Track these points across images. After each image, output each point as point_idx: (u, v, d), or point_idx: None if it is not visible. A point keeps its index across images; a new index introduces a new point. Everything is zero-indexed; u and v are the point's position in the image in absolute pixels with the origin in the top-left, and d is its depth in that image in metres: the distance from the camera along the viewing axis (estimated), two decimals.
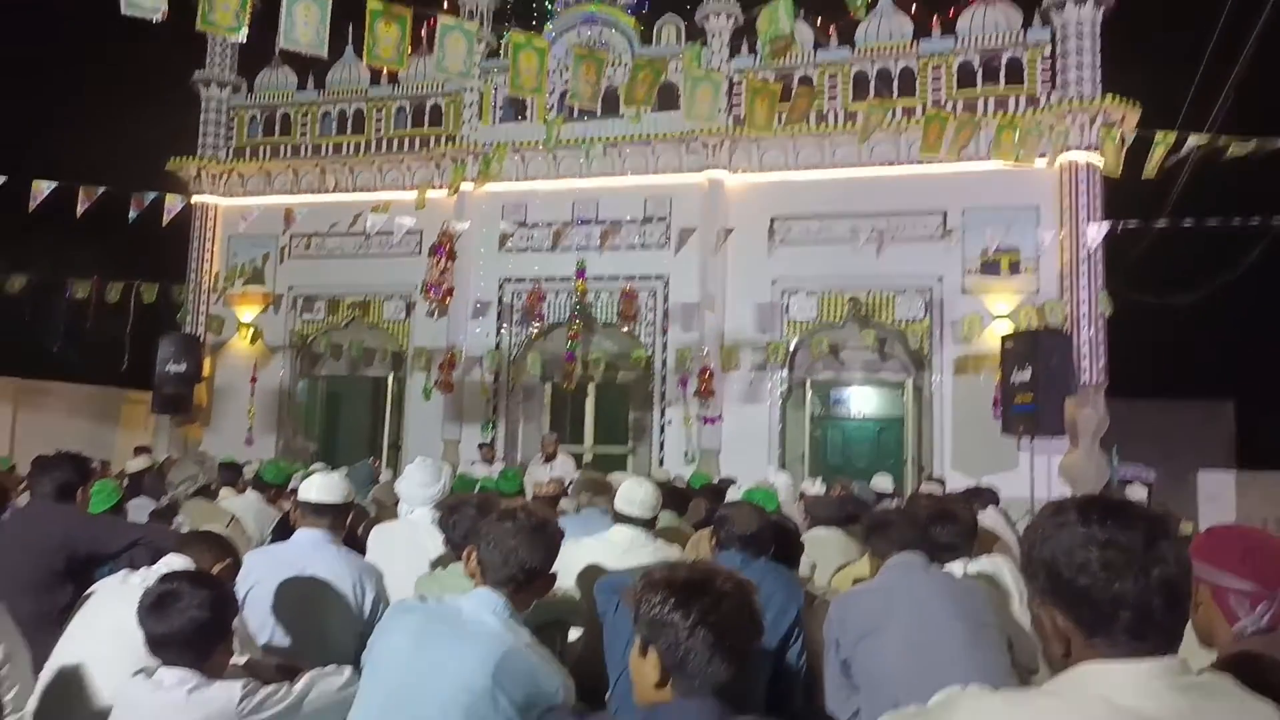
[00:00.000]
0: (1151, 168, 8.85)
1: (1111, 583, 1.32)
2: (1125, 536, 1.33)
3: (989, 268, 11.51)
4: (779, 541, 3.28)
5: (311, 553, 3.34)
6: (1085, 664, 1.37)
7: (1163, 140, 8.79)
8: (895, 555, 2.80)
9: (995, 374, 10.81)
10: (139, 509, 5.09)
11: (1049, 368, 9.77)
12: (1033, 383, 9.81)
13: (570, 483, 6.03)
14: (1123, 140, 9.50)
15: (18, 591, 3.38)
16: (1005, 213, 11.35)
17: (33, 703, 2.62)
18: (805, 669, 2.84)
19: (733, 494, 5.06)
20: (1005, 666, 2.63)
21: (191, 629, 2.18)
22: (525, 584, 2.23)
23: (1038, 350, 9.93)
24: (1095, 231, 10.53)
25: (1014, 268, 11.44)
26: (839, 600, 2.75)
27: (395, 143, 13.91)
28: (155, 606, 2.22)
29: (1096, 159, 10.66)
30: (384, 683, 2.11)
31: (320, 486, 3.46)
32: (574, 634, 3.57)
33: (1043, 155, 10.70)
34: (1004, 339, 10.58)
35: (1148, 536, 1.33)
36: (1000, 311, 11.33)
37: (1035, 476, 10.02)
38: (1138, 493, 6.69)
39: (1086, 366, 10.81)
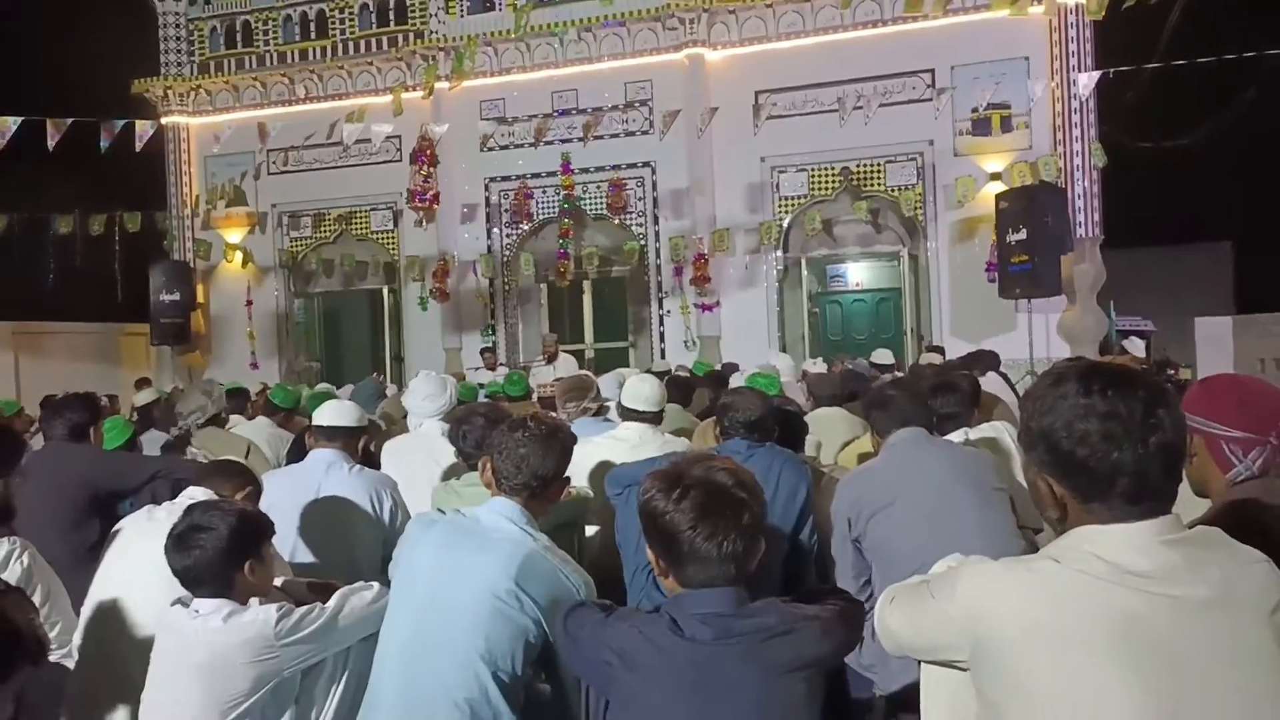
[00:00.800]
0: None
1: (1110, 453, 1.35)
2: (1125, 407, 1.35)
3: (980, 126, 11.29)
4: (783, 425, 3.33)
5: (325, 471, 3.46)
6: (1082, 528, 1.42)
7: None
8: (897, 431, 2.85)
9: (991, 236, 10.74)
10: (151, 442, 5.15)
11: (1044, 225, 9.70)
12: (1028, 242, 9.75)
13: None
14: None
15: (47, 533, 3.47)
16: (994, 67, 11.06)
17: (77, 638, 2.73)
18: (816, 546, 2.94)
19: (735, 380, 5.11)
20: (1012, 528, 2.71)
21: (215, 559, 2.24)
22: (540, 490, 2.29)
23: (1032, 208, 9.83)
24: (1087, 80, 10.28)
25: (1005, 124, 11.21)
26: (846, 480, 2.81)
27: (362, 44, 13.44)
28: (179, 542, 2.27)
29: (1084, 0, 10.31)
30: (413, 594, 2.19)
31: (332, 411, 3.62)
32: (590, 531, 3.68)
33: (1038, 1, 10.33)
34: (997, 198, 10.46)
35: (1147, 405, 1.35)
36: (993, 171, 11.17)
37: (1034, 337, 10.11)
38: (1136, 345, 6.74)
39: (1082, 220, 10.73)
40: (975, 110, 11.09)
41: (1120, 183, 11.44)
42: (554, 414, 5.24)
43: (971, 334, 10.73)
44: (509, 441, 2.27)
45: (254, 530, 2.37)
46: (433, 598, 2.14)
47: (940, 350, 9.74)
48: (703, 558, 1.68)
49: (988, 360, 7.55)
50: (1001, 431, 3.80)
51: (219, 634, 2.18)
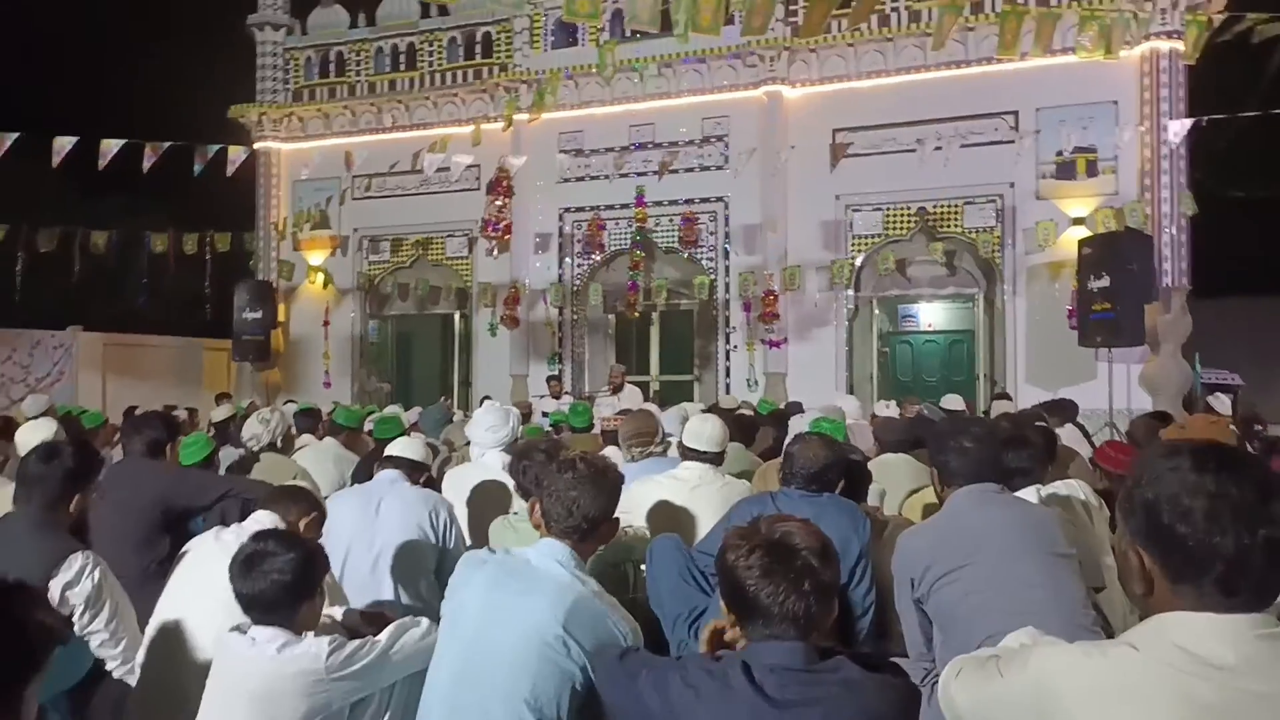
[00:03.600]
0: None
1: (1212, 535, 1.28)
2: (1237, 491, 1.28)
3: (1064, 170, 11.04)
4: (847, 475, 3.26)
5: (389, 486, 3.70)
6: (1165, 615, 1.35)
7: (1254, 20, 8.21)
8: (964, 488, 2.75)
9: (1071, 282, 10.45)
10: (227, 458, 5.30)
11: (1128, 272, 9.39)
12: (1111, 289, 9.44)
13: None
14: (1210, 23, 8.89)
15: (122, 549, 3.58)
16: (1081, 110, 10.82)
17: (140, 655, 2.80)
18: (873, 606, 2.85)
19: (798, 423, 5.03)
20: (1082, 597, 2.59)
21: (278, 590, 2.28)
22: (589, 533, 2.28)
23: (1117, 254, 9.53)
24: (1179, 127, 9.98)
25: (1091, 169, 10.95)
26: (909, 536, 2.72)
27: (448, 76, 13.82)
28: (245, 567, 2.32)
29: (1180, 46, 10.03)
30: (460, 635, 2.19)
31: (402, 445, 3.96)
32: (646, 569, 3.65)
33: (1127, 43, 10.09)
34: (1080, 244, 10.17)
35: (1262, 493, 1.29)
36: (1076, 215, 10.89)
37: (1114, 387, 9.76)
38: (1222, 401, 6.46)
39: (1168, 269, 10.38)
40: (1060, 153, 10.85)
41: (1210, 231, 11.07)
42: (610, 448, 5.25)
43: (1048, 381, 10.43)
44: (558, 483, 2.27)
45: (317, 566, 2.41)
46: (479, 639, 2.14)
47: (1007, 396, 9.48)
48: (765, 613, 1.72)
49: (1067, 410, 7.32)
50: (1075, 489, 3.67)
51: (272, 664, 2.20)
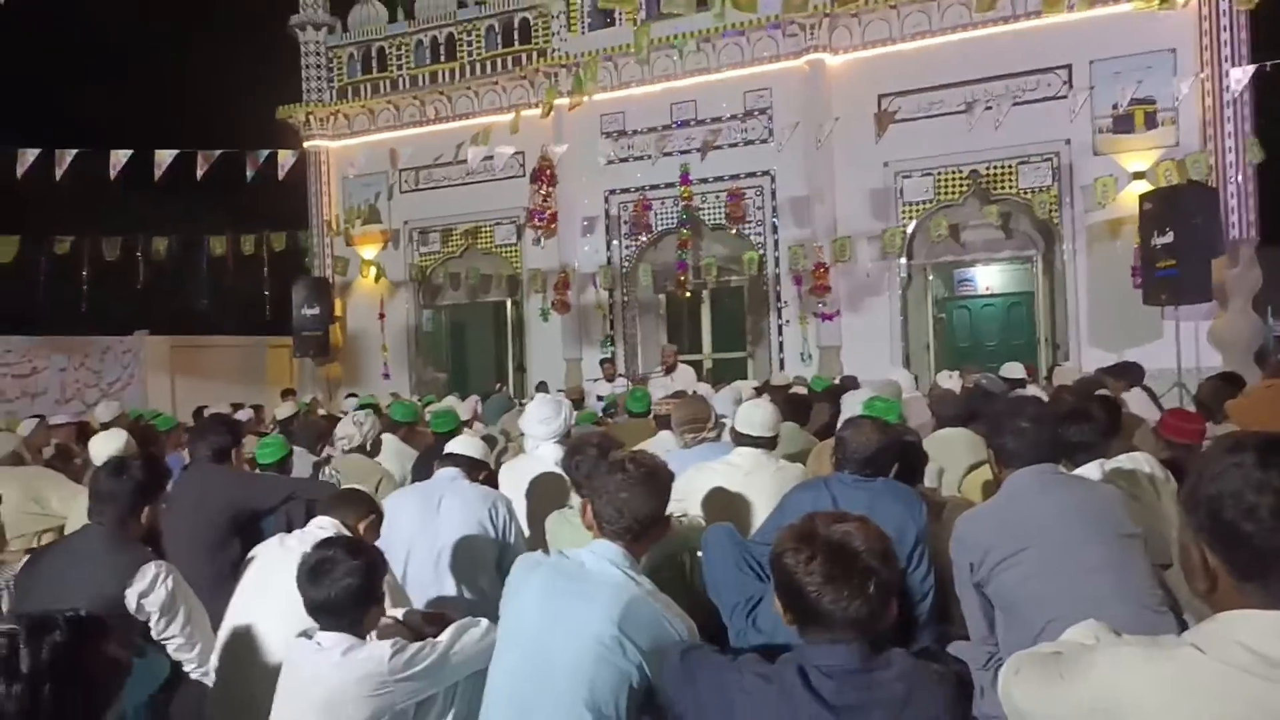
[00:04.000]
0: None
1: (1278, 532, 1.24)
2: None
3: (1121, 123, 10.68)
4: (902, 458, 3.22)
5: (449, 483, 3.75)
6: (1231, 614, 1.31)
7: None
8: (1022, 469, 2.69)
9: (1134, 239, 10.14)
10: (297, 457, 5.43)
11: (1193, 227, 9.07)
12: (1175, 245, 9.13)
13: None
14: None
15: (194, 554, 3.71)
16: (1137, 60, 10.45)
17: (214, 659, 2.90)
18: (933, 590, 2.82)
19: (851, 402, 4.97)
20: (1148, 582, 2.52)
21: (345, 596, 2.35)
22: (641, 534, 2.28)
23: (1180, 208, 9.21)
24: (1240, 74, 9.57)
25: (1150, 120, 10.57)
26: (967, 520, 2.67)
27: (488, 65, 13.86)
28: (312, 575, 2.38)
29: None
30: (518, 640, 2.21)
31: (464, 444, 4.05)
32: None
33: None
34: (1141, 199, 9.85)
35: None
36: (1136, 170, 10.54)
37: (1182, 346, 9.46)
38: None
39: (1235, 221, 10.01)
40: (1116, 107, 10.49)
41: (1278, 178, 10.61)
42: (664, 432, 5.24)
43: (1112, 342, 10.17)
44: (609, 485, 2.27)
45: (379, 571, 2.48)
46: (537, 643, 2.16)
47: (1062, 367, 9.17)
48: (826, 619, 1.71)
49: (1132, 374, 7.11)
50: (1141, 463, 3.56)
51: (337, 669, 2.26)
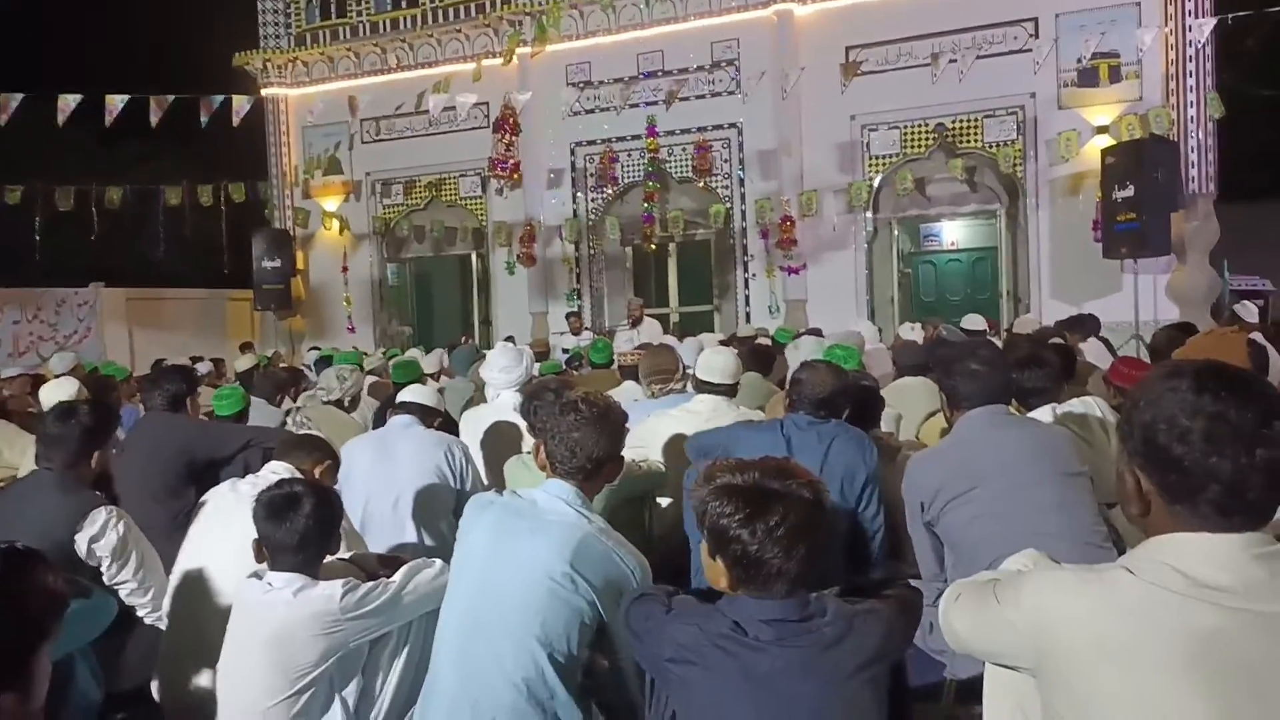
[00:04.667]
0: None
1: (1209, 456, 1.26)
2: (1236, 412, 1.26)
3: (1086, 77, 10.68)
4: (857, 401, 3.25)
5: (402, 430, 3.75)
6: (1160, 538, 1.34)
7: None
8: (972, 410, 2.73)
9: (1095, 193, 10.22)
10: (255, 408, 5.37)
11: (1153, 181, 9.15)
12: (1136, 199, 9.22)
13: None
14: None
15: (149, 500, 3.68)
16: (1102, 14, 10.43)
17: (166, 603, 2.88)
18: (884, 528, 2.86)
19: (812, 348, 5.00)
20: (1093, 517, 2.58)
21: (304, 534, 2.34)
22: (593, 473, 2.28)
23: (1141, 162, 9.27)
24: (1203, 26, 9.61)
25: (1114, 74, 10.58)
26: (916, 463, 2.71)
27: (451, 12, 13.52)
28: (271, 513, 2.37)
29: None
30: (468, 577, 2.22)
31: (416, 391, 4.04)
32: (664, 503, 3.69)
33: None
34: (1104, 153, 9.90)
35: (1263, 414, 1.26)
36: (1100, 124, 10.58)
37: (1140, 299, 9.60)
38: (1249, 309, 6.34)
39: (1195, 175, 10.10)
40: (1080, 60, 10.50)
41: (1239, 134, 10.72)
42: (629, 383, 5.25)
43: (1073, 295, 10.28)
44: (561, 425, 2.27)
45: (336, 511, 2.48)
46: (486, 580, 2.17)
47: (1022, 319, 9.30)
48: (764, 574, 1.66)
49: (1087, 325, 7.24)
50: (1091, 406, 3.63)
51: (288, 607, 2.26)
